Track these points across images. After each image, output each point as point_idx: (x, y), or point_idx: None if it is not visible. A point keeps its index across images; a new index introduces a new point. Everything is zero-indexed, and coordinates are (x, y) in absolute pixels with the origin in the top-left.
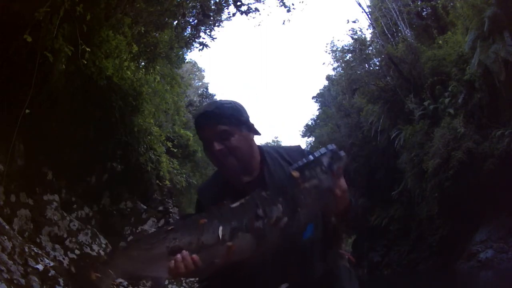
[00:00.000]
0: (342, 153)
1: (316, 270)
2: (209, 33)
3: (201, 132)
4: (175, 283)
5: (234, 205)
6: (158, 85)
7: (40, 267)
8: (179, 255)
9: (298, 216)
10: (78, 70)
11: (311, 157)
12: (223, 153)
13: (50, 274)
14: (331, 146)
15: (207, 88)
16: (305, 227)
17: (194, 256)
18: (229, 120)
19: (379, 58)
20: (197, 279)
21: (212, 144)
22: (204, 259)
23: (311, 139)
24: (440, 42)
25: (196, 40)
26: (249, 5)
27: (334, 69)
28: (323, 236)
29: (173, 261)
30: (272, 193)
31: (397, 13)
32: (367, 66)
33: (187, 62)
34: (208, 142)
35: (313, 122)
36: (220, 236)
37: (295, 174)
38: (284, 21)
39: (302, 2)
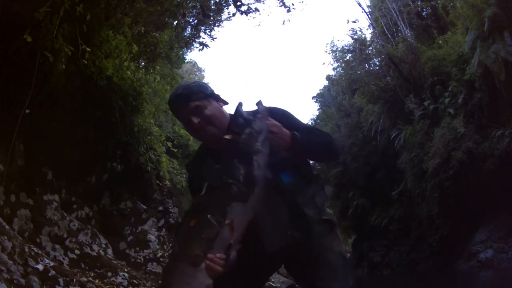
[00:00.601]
0: (261, 106)
1: (308, 220)
2: (209, 33)
3: (178, 113)
4: None
5: (203, 191)
6: (158, 85)
7: (40, 267)
8: (207, 261)
9: (258, 162)
10: (78, 70)
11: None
12: (201, 124)
13: (50, 274)
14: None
15: None
16: (276, 170)
17: (217, 254)
18: (197, 95)
19: (379, 58)
20: None
21: (190, 120)
22: (221, 249)
23: None
24: (440, 42)
25: (196, 40)
26: (249, 5)
27: (334, 69)
28: (306, 181)
29: (207, 268)
30: (229, 158)
31: (397, 13)
32: (367, 66)
33: (187, 62)
34: (186, 120)
35: (313, 122)
36: (215, 222)
37: (228, 136)
38: (284, 21)
39: (302, 2)
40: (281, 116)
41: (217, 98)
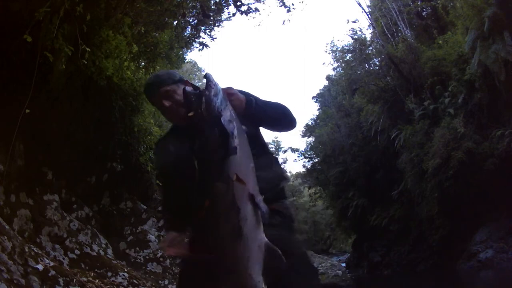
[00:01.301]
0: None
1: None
2: (209, 33)
3: (151, 99)
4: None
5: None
6: None
7: (40, 267)
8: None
9: (226, 121)
10: (78, 70)
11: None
12: (172, 107)
13: (50, 274)
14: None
15: None
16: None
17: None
18: (166, 82)
19: (379, 58)
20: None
21: (162, 104)
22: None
23: (311, 139)
24: (440, 42)
25: (196, 40)
26: (249, 5)
27: (334, 69)
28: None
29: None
30: (201, 132)
31: (397, 13)
32: (367, 66)
33: (187, 62)
34: (159, 104)
35: (313, 122)
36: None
37: (190, 114)
38: (284, 21)
39: (302, 2)
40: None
41: (185, 83)
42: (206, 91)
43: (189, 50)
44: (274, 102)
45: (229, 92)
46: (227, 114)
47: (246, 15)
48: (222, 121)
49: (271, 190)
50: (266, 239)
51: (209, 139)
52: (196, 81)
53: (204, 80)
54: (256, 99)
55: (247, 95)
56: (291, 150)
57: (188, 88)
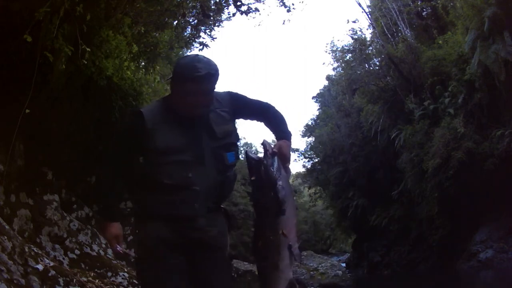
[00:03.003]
0: (266, 142)
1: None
2: (209, 33)
3: (193, 79)
4: None
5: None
6: (158, 85)
7: (40, 267)
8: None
9: (281, 186)
10: (78, 70)
11: None
12: (201, 103)
13: (50, 274)
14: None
15: None
16: (224, 152)
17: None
18: (216, 81)
19: (379, 58)
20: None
21: (197, 96)
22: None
23: (311, 139)
24: (440, 42)
25: (196, 40)
26: (249, 5)
27: (334, 69)
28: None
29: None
30: (259, 188)
31: (397, 13)
32: (367, 66)
33: None
34: (196, 87)
35: (313, 122)
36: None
37: (253, 178)
38: (284, 21)
39: (302, 2)
40: (242, 102)
41: None
42: (265, 160)
43: (189, 50)
44: (274, 111)
45: (282, 152)
46: (281, 180)
47: (246, 15)
48: (278, 187)
49: None
50: (292, 276)
51: (266, 200)
52: None
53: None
54: (286, 130)
55: (251, 105)
56: (291, 150)
57: (249, 153)
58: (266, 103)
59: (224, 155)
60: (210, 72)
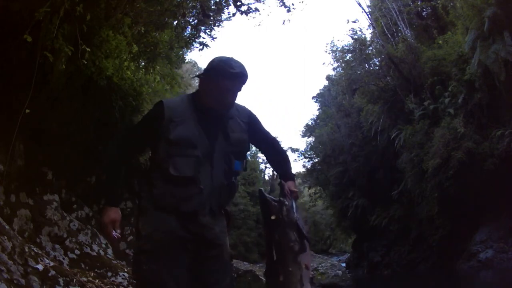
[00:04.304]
0: (283, 184)
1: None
2: (209, 33)
3: (228, 82)
4: None
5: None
6: (158, 85)
7: (40, 267)
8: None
9: (302, 225)
10: (78, 70)
11: None
12: (230, 100)
13: (50, 274)
14: None
15: None
16: (233, 159)
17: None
18: (244, 82)
19: (379, 58)
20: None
21: (228, 94)
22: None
23: (311, 139)
24: (440, 42)
25: (196, 40)
26: (249, 5)
27: (334, 69)
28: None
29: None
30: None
31: (397, 13)
32: (367, 66)
33: (187, 62)
34: (226, 91)
35: (313, 122)
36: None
37: (273, 217)
38: (284, 21)
39: (302, 2)
40: (257, 125)
41: None
42: (286, 201)
43: (189, 50)
44: (279, 148)
45: (295, 195)
46: (299, 219)
47: (246, 15)
48: (299, 225)
49: None
50: None
51: (289, 238)
52: (196, 81)
53: None
54: (291, 172)
55: (261, 132)
56: (291, 150)
57: (264, 194)
58: (274, 137)
59: (233, 160)
60: (243, 72)
